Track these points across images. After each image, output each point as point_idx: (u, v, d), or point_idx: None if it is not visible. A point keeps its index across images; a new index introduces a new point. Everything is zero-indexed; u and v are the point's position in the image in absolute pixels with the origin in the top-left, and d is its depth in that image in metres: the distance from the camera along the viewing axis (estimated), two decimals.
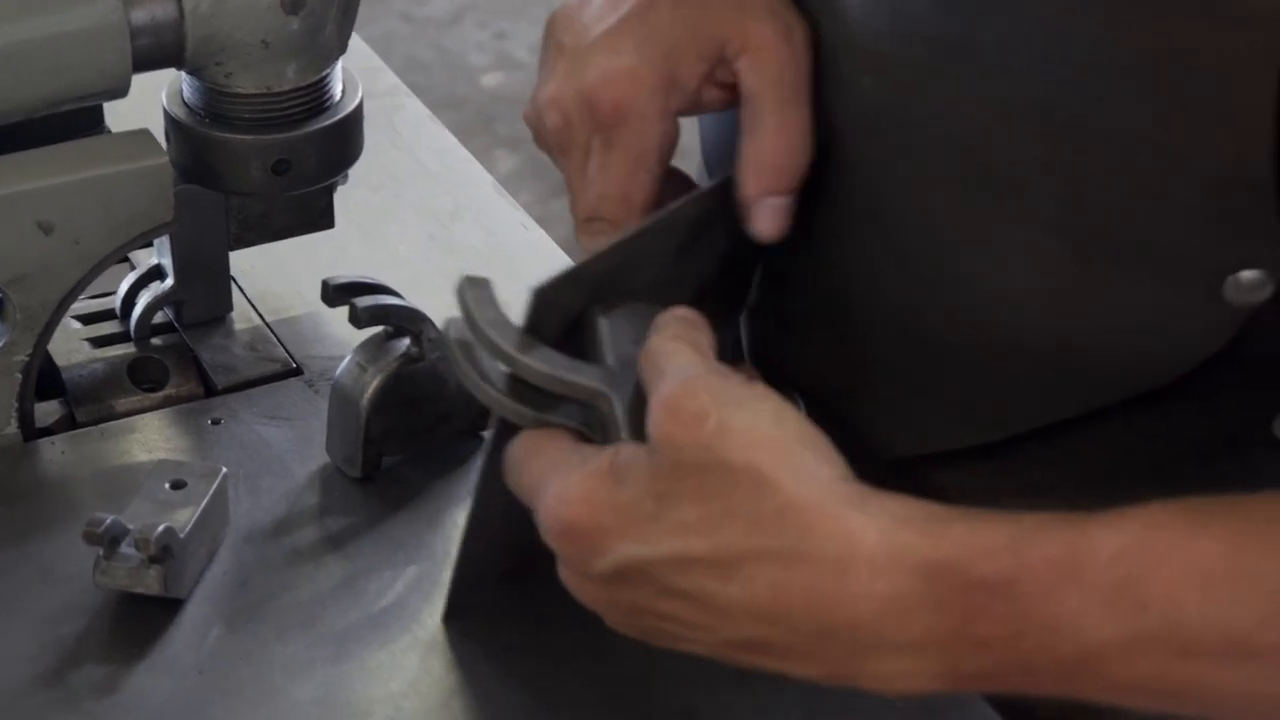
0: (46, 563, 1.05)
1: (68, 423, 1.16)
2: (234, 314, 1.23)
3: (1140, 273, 0.89)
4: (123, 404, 1.17)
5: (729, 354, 1.04)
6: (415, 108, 1.41)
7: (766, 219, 0.98)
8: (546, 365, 0.90)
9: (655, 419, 0.84)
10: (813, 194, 0.99)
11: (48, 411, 1.17)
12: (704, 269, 1.01)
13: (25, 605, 1.02)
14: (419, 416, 1.10)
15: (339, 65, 1.16)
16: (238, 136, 1.14)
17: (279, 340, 1.21)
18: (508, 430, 0.93)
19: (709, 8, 0.98)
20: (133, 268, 1.25)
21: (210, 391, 1.18)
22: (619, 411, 0.89)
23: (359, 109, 1.17)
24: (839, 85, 0.97)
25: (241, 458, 1.12)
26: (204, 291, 1.21)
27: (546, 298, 0.91)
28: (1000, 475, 0.98)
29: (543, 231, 1.29)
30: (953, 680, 0.80)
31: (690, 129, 1.04)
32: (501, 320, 0.91)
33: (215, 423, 1.15)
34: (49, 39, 1.08)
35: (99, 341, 1.21)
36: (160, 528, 1.00)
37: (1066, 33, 0.85)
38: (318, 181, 1.17)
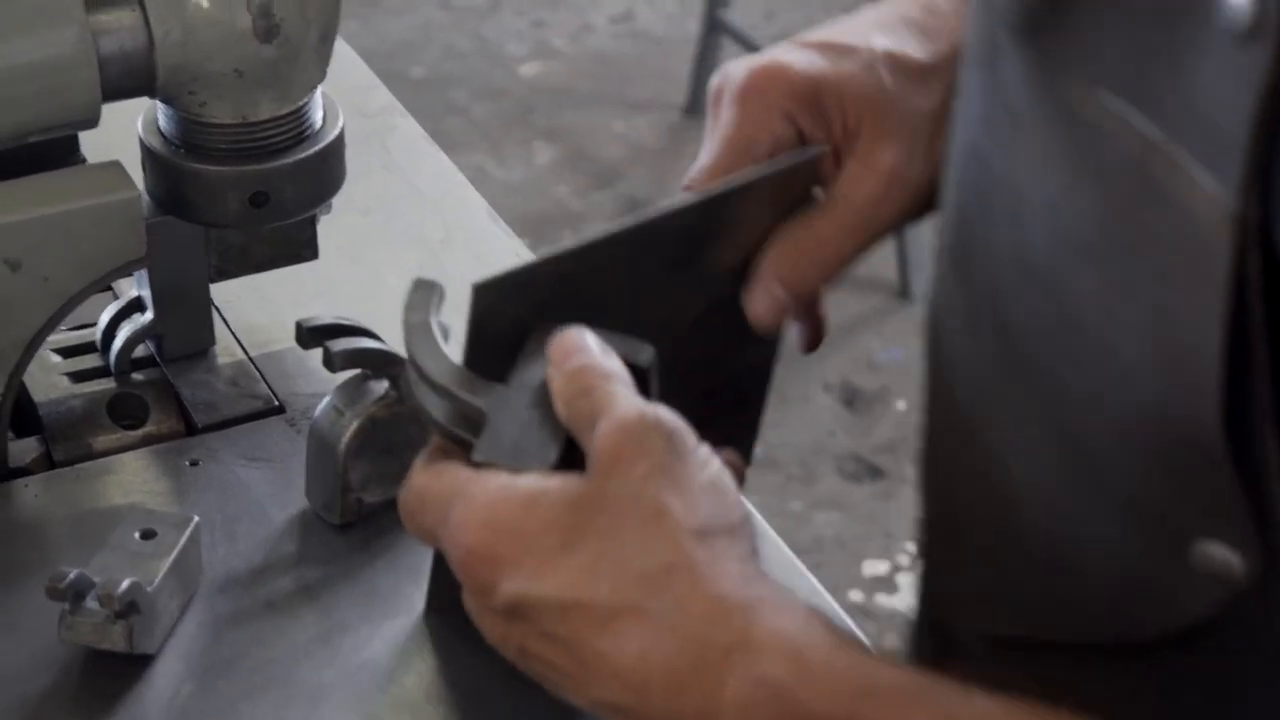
0: (12, 615, 1.01)
1: (45, 461, 1.13)
2: (217, 347, 1.19)
3: (1126, 512, 0.81)
4: (101, 442, 1.14)
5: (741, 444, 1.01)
6: (409, 128, 1.36)
7: (762, 302, 0.94)
8: (438, 373, 0.86)
9: (607, 439, 0.80)
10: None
11: (25, 449, 1.13)
12: (708, 293, 0.96)
13: None
14: (400, 462, 1.05)
15: (319, 93, 1.12)
16: (213, 168, 1.10)
17: (262, 376, 1.17)
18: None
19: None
20: (115, 297, 1.21)
21: (191, 429, 1.14)
22: (486, 432, 0.85)
23: (340, 138, 1.13)
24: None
25: (219, 501, 1.08)
26: (185, 325, 1.17)
27: (483, 298, 0.87)
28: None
29: None
30: None
31: None
32: (423, 325, 0.87)
33: (194, 464, 1.11)
34: (12, 68, 1.04)
35: (78, 376, 1.18)
36: (125, 583, 0.96)
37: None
38: (297, 214, 1.13)
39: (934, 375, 0.91)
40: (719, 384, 1.01)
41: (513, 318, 0.88)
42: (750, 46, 3.35)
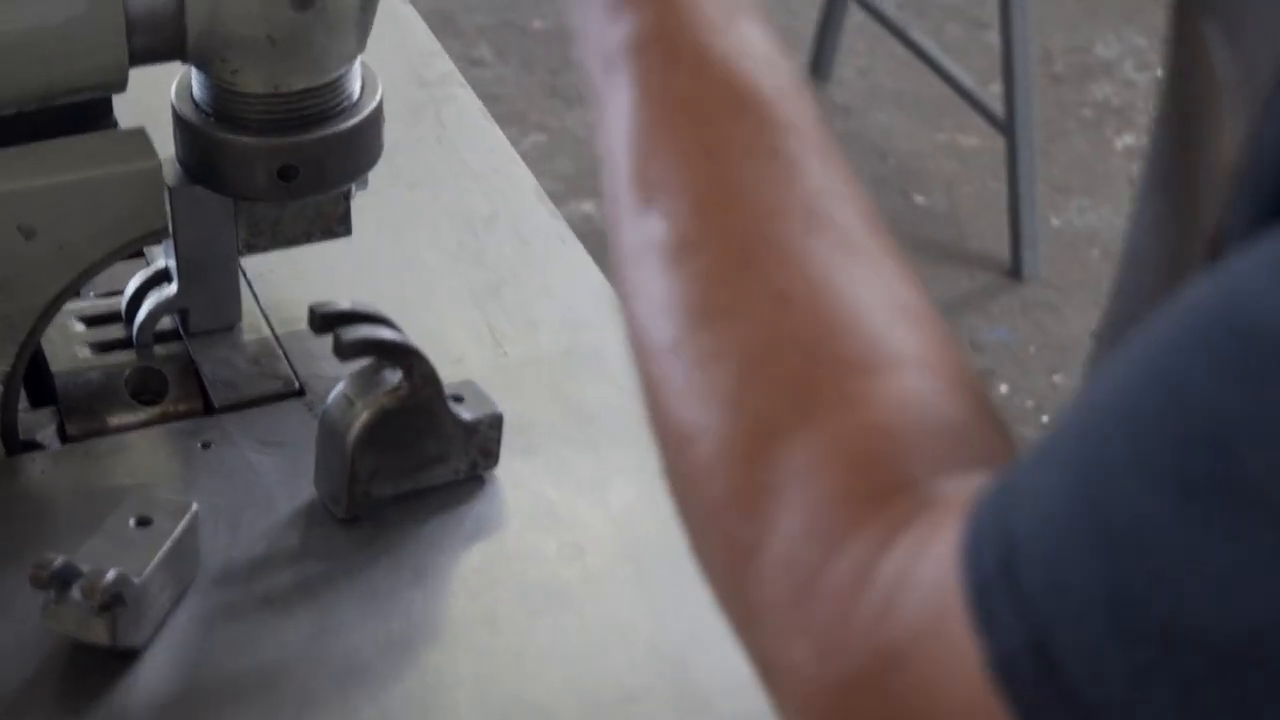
0: (3, 597, 0.98)
1: (58, 434, 1.09)
2: (243, 322, 1.14)
3: None
4: (116, 419, 1.09)
5: None
6: (467, 99, 1.31)
7: None
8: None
9: None
10: None
11: (39, 420, 1.09)
12: None
13: None
14: (410, 456, 1.01)
15: (358, 63, 1.07)
16: (242, 138, 1.05)
17: (285, 355, 1.13)
18: None
19: None
20: (148, 263, 1.17)
21: (209, 408, 1.10)
22: None
23: (377, 111, 1.08)
24: None
25: (226, 487, 1.04)
26: (210, 299, 1.13)
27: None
28: None
29: (581, 247, 1.19)
30: None
31: None
32: None
33: (205, 446, 1.07)
34: (37, 28, 1.00)
35: (100, 347, 1.14)
36: (111, 574, 0.92)
37: None
38: (328, 189, 1.08)
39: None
40: None
41: None
42: None
